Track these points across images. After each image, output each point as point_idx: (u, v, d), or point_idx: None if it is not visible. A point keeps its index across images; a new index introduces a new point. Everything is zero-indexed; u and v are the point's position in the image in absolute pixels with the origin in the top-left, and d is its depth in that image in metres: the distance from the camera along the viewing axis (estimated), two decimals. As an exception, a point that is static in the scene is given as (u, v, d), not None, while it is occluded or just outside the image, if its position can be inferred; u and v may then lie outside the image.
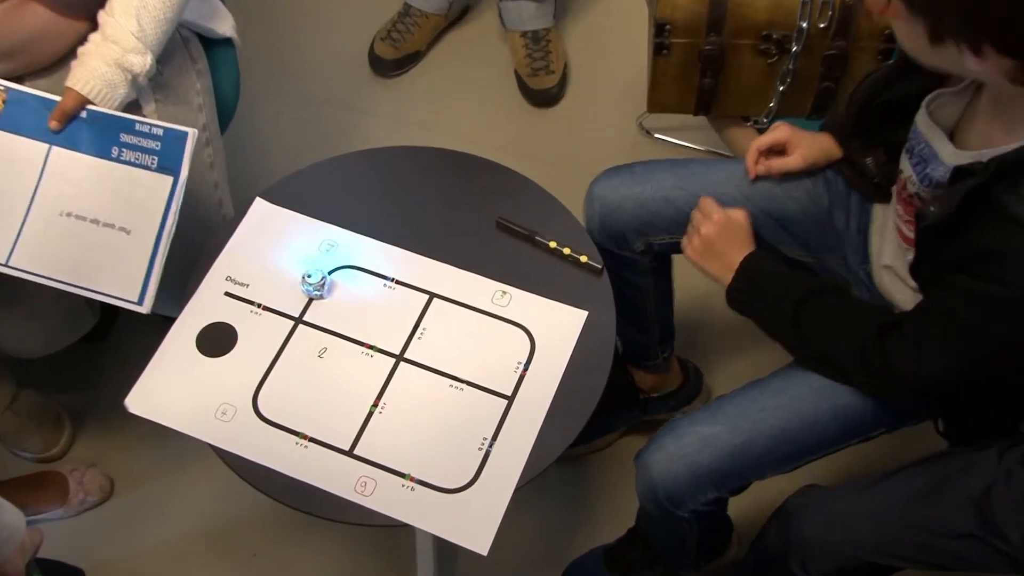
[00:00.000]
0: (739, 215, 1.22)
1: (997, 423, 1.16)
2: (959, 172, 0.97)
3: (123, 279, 1.25)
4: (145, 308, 1.24)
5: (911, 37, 0.90)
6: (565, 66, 2.15)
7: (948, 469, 1.13)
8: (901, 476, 1.15)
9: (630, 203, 1.35)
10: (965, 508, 1.08)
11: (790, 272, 1.18)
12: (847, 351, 1.10)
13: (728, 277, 1.20)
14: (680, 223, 1.31)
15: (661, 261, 1.43)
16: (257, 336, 1.25)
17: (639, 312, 1.48)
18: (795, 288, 1.14)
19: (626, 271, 1.42)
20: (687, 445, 1.20)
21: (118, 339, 1.81)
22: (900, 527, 1.12)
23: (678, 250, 1.34)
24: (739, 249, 1.20)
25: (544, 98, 2.11)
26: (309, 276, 1.26)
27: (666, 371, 1.61)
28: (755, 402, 1.21)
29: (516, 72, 2.14)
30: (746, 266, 1.19)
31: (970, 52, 0.85)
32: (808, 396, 1.19)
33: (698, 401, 1.67)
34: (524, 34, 2.12)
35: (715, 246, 1.22)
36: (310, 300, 1.27)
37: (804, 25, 1.41)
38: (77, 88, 1.26)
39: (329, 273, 1.29)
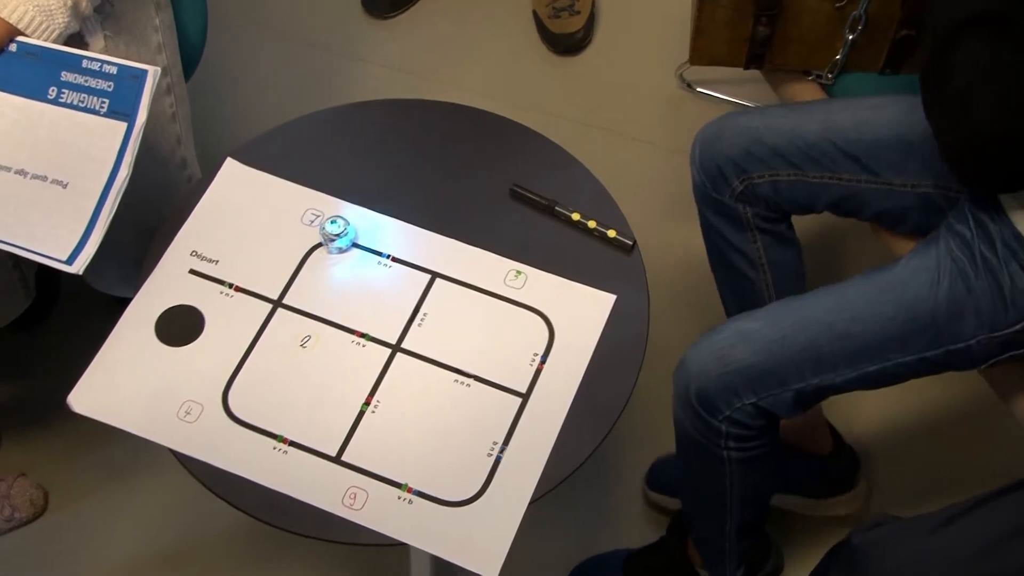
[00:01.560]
0: None
1: None
2: None
3: (53, 236, 1.24)
4: (76, 268, 1.23)
5: None
6: (593, 4, 2.14)
7: None
8: (982, 512, 1.16)
9: (732, 131, 1.44)
10: None
11: None
12: (963, 85, 1.14)
13: None
14: (786, 157, 1.40)
15: (772, 226, 1.48)
16: (228, 321, 1.26)
17: (750, 302, 1.51)
18: (980, 3, 1.15)
19: (728, 229, 1.48)
20: (723, 340, 1.30)
21: (59, 326, 1.82)
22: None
23: (783, 209, 1.44)
24: None
25: (568, 44, 2.12)
26: (331, 226, 1.28)
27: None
28: (807, 299, 1.31)
29: (535, 13, 2.14)
30: None
31: None
32: (868, 289, 1.29)
33: None
34: None
35: None
36: (292, 280, 1.28)
37: None
38: (5, 17, 1.26)
39: (314, 248, 1.30)
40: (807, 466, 1.64)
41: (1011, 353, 1.28)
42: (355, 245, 1.32)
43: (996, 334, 1.26)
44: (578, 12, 2.11)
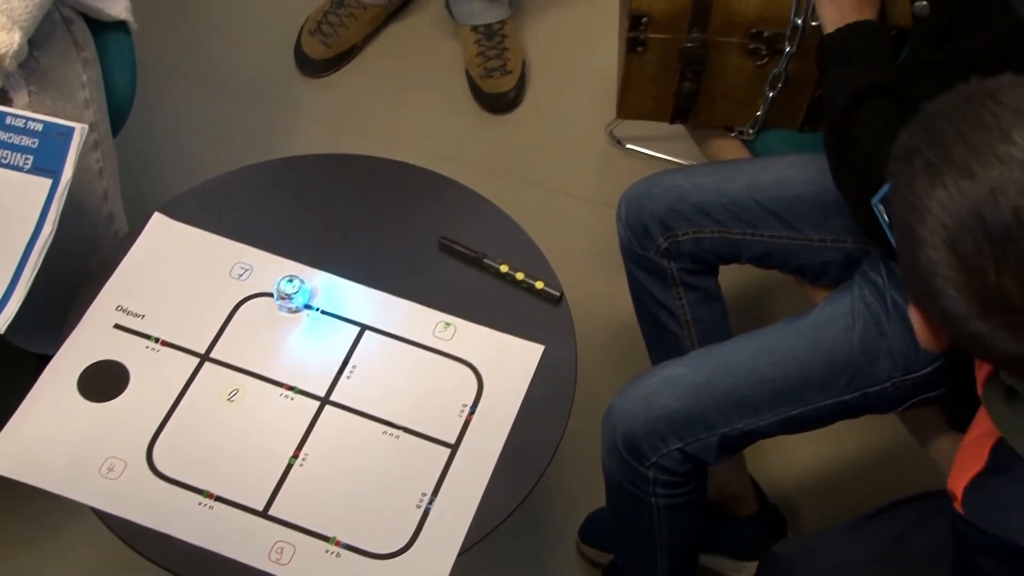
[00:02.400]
0: None
1: None
2: None
3: None
4: None
5: None
6: (523, 64, 2.19)
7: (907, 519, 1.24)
8: (883, 517, 1.25)
9: (658, 189, 1.47)
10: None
11: (884, 58, 1.27)
12: (862, 151, 1.21)
13: (833, 27, 1.30)
14: (710, 214, 1.44)
15: (697, 280, 1.51)
16: (154, 376, 1.25)
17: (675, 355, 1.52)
18: (877, 73, 1.24)
19: (653, 285, 1.50)
20: (649, 386, 1.34)
21: None
22: None
23: (706, 261, 1.47)
24: (859, 7, 1.29)
25: (500, 103, 2.15)
26: (286, 285, 1.28)
27: None
28: (729, 345, 1.36)
29: (467, 72, 2.18)
30: (853, 31, 1.28)
31: None
32: (788, 335, 1.33)
33: None
34: (476, 28, 2.16)
35: None
36: (220, 334, 1.28)
37: (799, 22, 1.44)
38: None
39: (243, 301, 1.30)
40: (734, 529, 1.66)
41: (924, 395, 1.32)
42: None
43: (909, 376, 1.30)
44: (509, 72, 2.15)
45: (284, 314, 1.30)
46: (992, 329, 0.81)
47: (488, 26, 2.16)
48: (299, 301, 1.29)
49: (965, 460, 1.00)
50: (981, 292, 0.80)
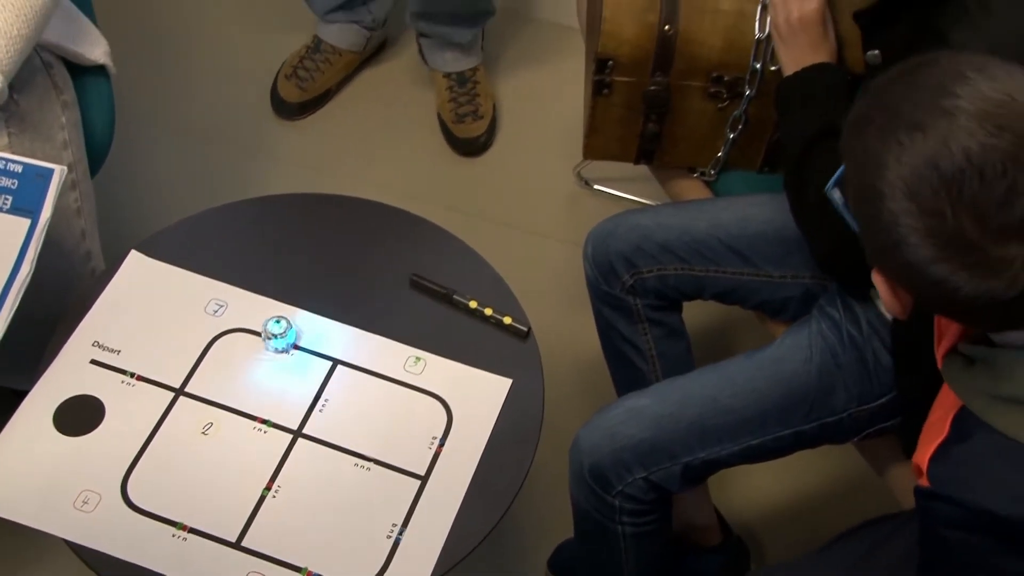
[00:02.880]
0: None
1: None
2: None
3: None
4: None
5: None
6: (494, 109, 2.22)
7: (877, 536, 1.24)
8: (849, 540, 1.25)
9: (624, 228, 1.49)
10: None
11: (840, 102, 1.29)
12: (820, 191, 1.22)
13: (792, 70, 1.34)
14: (674, 252, 1.45)
15: (662, 316, 1.52)
16: (129, 410, 1.26)
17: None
18: (834, 117, 1.25)
19: (619, 321, 1.51)
20: (614, 417, 1.35)
21: None
22: None
23: (670, 298, 1.49)
24: (817, 51, 1.33)
25: (471, 147, 2.18)
26: (273, 326, 1.29)
27: None
28: (692, 378, 1.38)
29: (439, 117, 2.21)
30: (812, 75, 1.32)
31: None
32: (749, 368, 1.36)
33: None
34: (448, 75, 2.20)
35: (800, 38, 1.33)
36: (194, 368, 1.29)
37: (758, 66, 1.46)
38: None
39: (217, 337, 1.31)
40: (700, 558, 1.66)
41: (879, 426, 1.35)
42: (255, 334, 1.32)
43: (864, 407, 1.32)
44: (481, 117, 2.18)
45: (268, 352, 1.31)
46: (952, 271, 0.84)
47: (460, 73, 2.19)
48: (283, 343, 1.31)
49: (928, 435, 1.02)
50: (940, 234, 0.83)
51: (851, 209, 0.95)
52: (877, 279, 0.95)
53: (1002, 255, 0.83)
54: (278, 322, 1.30)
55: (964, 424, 0.97)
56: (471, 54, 2.20)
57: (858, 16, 1.31)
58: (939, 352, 1.03)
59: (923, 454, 1.00)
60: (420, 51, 2.24)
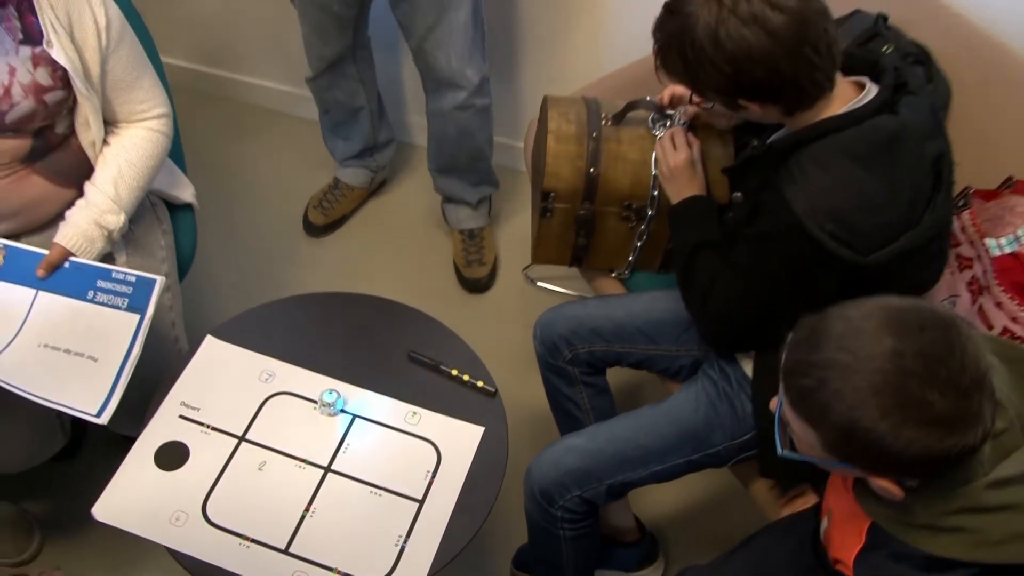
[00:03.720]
0: (693, 157, 1.38)
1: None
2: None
3: (87, 396, 1.25)
4: (103, 420, 1.24)
5: (728, 117, 1.28)
6: (495, 259, 2.19)
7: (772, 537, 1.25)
8: (742, 552, 1.26)
9: (562, 317, 1.49)
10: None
11: (711, 223, 1.34)
12: (701, 286, 1.29)
13: (675, 200, 1.38)
14: (600, 334, 1.46)
15: (592, 379, 1.53)
16: (206, 452, 1.28)
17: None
18: (707, 233, 1.32)
19: (562, 385, 1.51)
20: (557, 452, 1.35)
21: (85, 458, 1.78)
22: None
23: (598, 366, 1.49)
24: (691, 188, 1.37)
25: (476, 286, 2.15)
26: (328, 396, 1.27)
27: None
28: (614, 422, 1.38)
29: (454, 262, 2.18)
30: (689, 204, 1.36)
31: (755, 106, 1.16)
32: (654, 415, 1.36)
33: None
34: (462, 232, 2.17)
35: (678, 179, 1.37)
36: (252, 421, 1.31)
37: (655, 193, 1.47)
38: (62, 243, 1.32)
39: (268, 398, 1.34)
40: (622, 550, 1.67)
41: (746, 454, 1.38)
42: (294, 395, 1.33)
43: (735, 441, 1.36)
44: (484, 264, 2.14)
45: (321, 415, 1.31)
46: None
47: (471, 231, 2.16)
48: (334, 409, 1.31)
49: (846, 537, 0.99)
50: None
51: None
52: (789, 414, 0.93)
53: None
54: (331, 393, 1.30)
55: (876, 535, 0.95)
56: (480, 214, 2.16)
57: (725, 171, 1.36)
58: (847, 484, 1.00)
59: (848, 553, 0.97)
60: (443, 215, 2.21)
